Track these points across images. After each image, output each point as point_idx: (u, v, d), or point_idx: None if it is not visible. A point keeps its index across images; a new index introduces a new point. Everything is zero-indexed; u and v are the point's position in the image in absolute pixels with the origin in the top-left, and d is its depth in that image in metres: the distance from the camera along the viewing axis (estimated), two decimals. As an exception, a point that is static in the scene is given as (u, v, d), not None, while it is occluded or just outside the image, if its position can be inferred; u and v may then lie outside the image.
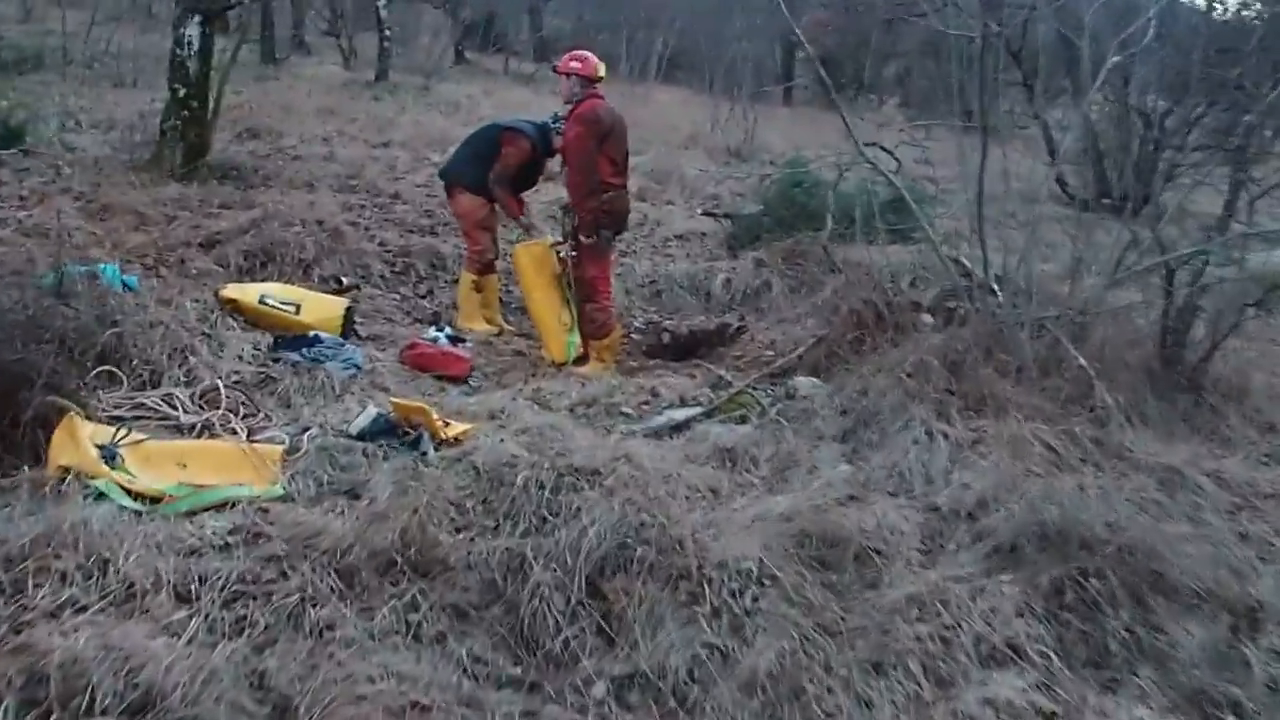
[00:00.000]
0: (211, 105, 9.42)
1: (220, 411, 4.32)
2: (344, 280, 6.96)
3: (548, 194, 8.81)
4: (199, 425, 4.24)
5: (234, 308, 5.56)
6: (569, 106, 6.47)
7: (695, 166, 13.78)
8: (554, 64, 6.74)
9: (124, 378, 4.53)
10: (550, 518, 3.54)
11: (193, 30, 9.00)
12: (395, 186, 10.01)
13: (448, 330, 6.56)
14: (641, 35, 29.07)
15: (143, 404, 4.33)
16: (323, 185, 9.62)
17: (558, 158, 7.02)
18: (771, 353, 7.01)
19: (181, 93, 9.06)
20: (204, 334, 5.18)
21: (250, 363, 5.03)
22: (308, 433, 4.26)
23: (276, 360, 5.07)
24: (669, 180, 12.37)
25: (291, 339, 5.16)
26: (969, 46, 6.12)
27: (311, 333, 5.27)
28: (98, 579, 2.92)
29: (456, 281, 7.42)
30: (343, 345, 5.19)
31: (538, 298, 6.75)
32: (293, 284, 6.69)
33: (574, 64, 6.50)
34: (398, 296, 7.30)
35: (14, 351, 3.97)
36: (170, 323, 4.99)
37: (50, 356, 4.10)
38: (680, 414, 5.14)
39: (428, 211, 9.08)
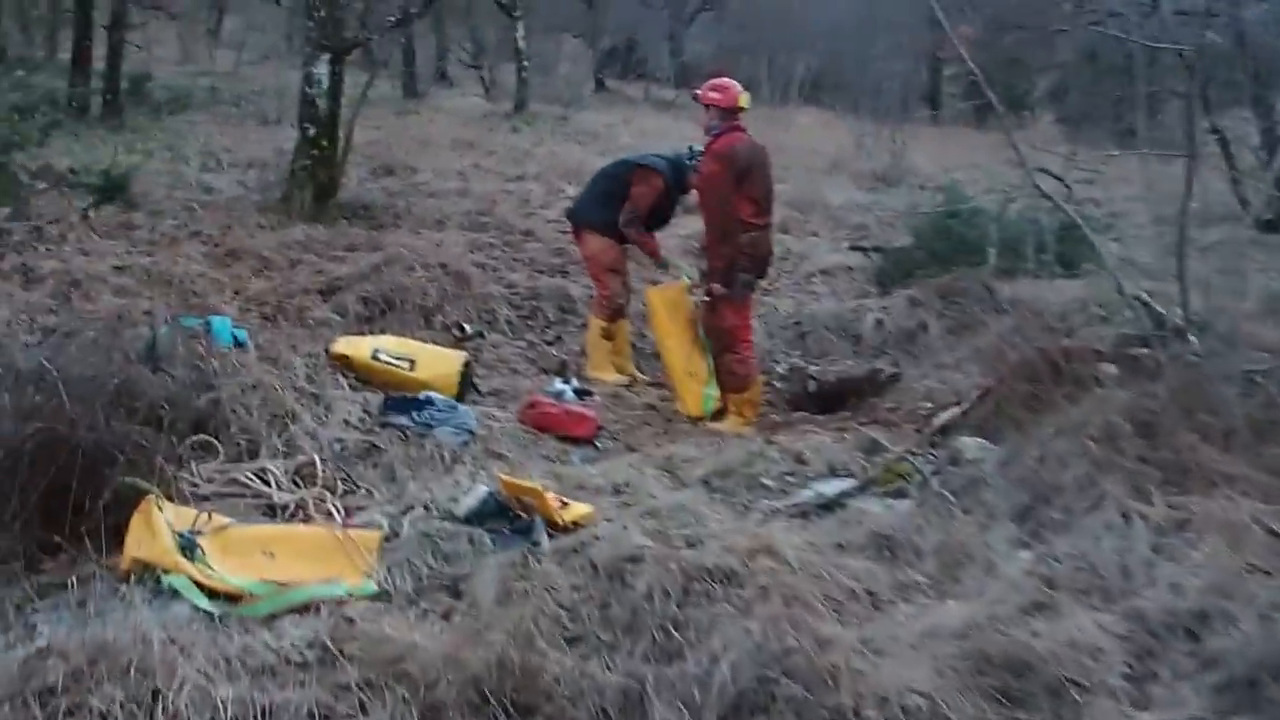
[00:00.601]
0: (341, 144, 9.23)
1: (316, 490, 3.91)
2: (466, 328, 6.57)
3: (685, 227, 8.32)
4: (292, 505, 3.83)
5: (345, 364, 5.20)
6: (708, 138, 5.94)
7: (840, 193, 13.13)
8: (694, 91, 6.23)
9: (220, 448, 4.18)
10: (677, 633, 3.00)
11: (321, 69, 8.82)
12: (527, 223, 9.66)
13: (574, 383, 6.09)
14: (783, 57, 28.48)
15: (236, 479, 3.96)
16: (452, 223, 9.33)
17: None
18: (929, 404, 6.33)
19: (311, 132, 8.89)
20: (311, 394, 4.82)
21: (357, 428, 4.63)
22: (410, 514, 3.81)
23: (385, 424, 4.66)
24: (812, 210, 11.74)
25: (401, 400, 4.75)
26: (1143, 58, 5.41)
27: (423, 394, 4.85)
28: (143, 717, 2.49)
29: (585, 326, 6.98)
30: (455, 408, 4.74)
31: (671, 345, 6.23)
32: (412, 333, 6.35)
33: (713, 94, 5.96)
34: (523, 344, 6.89)
35: (97, 425, 3.64)
36: (276, 383, 4.64)
37: (137, 428, 3.77)
38: (830, 488, 4.54)
39: (559, 249, 8.68)
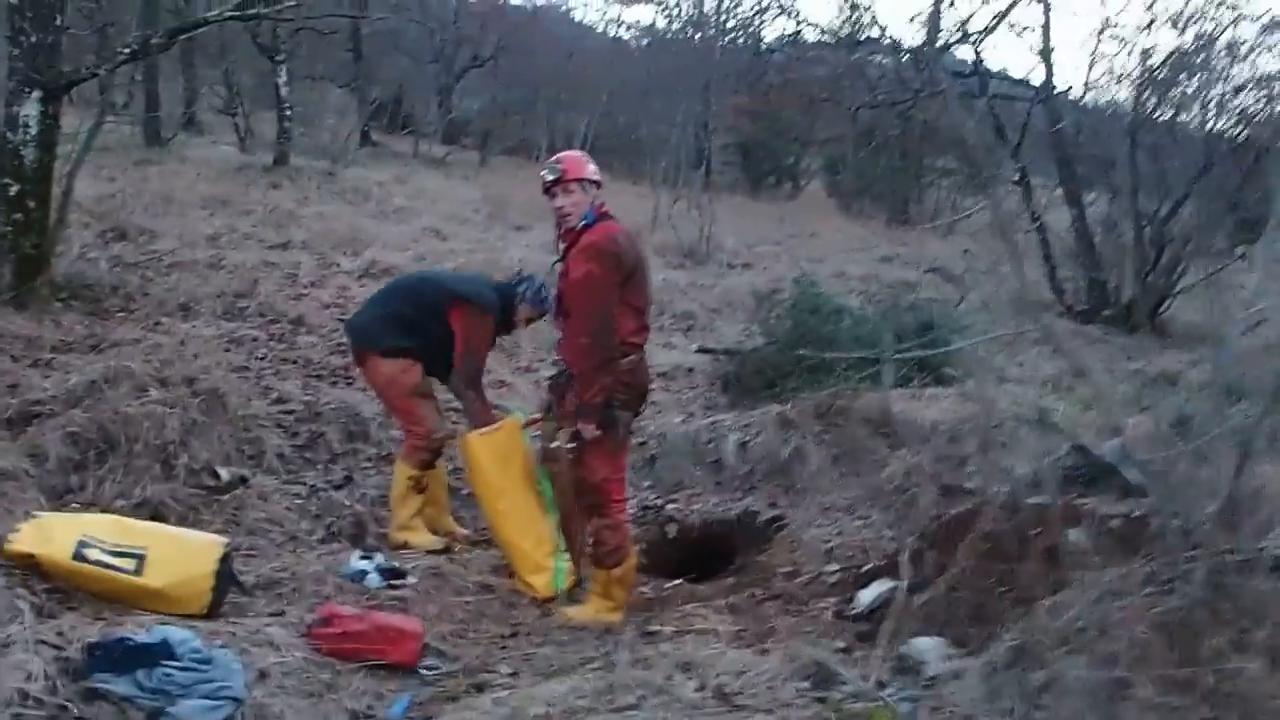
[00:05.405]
0: (56, 204, 7.18)
1: None
2: (222, 474, 4.76)
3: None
4: None
5: (33, 567, 3.35)
6: (572, 231, 4.30)
7: (653, 272, 11.88)
8: (549, 177, 4.32)
9: None
10: None
11: (30, 110, 6.77)
12: (297, 307, 7.87)
13: (378, 557, 4.41)
14: (561, 116, 27.44)
15: None
16: (203, 309, 7.44)
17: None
18: (835, 568, 5.04)
19: (14, 190, 6.77)
20: (-34, 633, 2.97)
21: (38, 704, 2.81)
22: None
23: (92, 695, 2.87)
24: (628, 292, 10.39)
25: (120, 650, 2.93)
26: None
27: (156, 632, 3.05)
28: None
29: (385, 459, 5.31)
30: (209, 662, 2.96)
31: (505, 509, 4.59)
32: (145, 487, 4.52)
33: (591, 168, 4.41)
34: (302, 489, 5.10)
35: None
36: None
37: None
38: (790, 766, 3.09)
39: (339, 346, 6.93)
